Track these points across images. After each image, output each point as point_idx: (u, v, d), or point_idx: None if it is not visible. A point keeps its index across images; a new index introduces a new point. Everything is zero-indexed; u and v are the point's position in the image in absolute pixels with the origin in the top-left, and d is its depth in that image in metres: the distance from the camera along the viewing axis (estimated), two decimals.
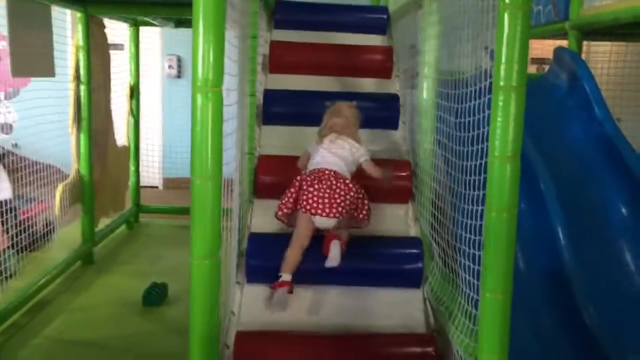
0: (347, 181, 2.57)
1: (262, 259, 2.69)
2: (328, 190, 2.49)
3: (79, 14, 4.21)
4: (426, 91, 2.80)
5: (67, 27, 5.06)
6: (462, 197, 2.16)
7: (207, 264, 1.82)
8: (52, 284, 3.92)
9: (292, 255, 2.52)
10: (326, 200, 2.47)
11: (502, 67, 1.70)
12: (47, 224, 4.48)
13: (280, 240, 2.77)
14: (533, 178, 3.18)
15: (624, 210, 3.23)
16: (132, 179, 5.70)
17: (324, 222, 2.52)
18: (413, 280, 2.68)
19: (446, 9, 2.59)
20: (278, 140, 3.35)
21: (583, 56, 5.81)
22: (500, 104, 1.72)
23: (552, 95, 3.97)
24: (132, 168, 5.68)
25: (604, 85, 5.00)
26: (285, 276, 2.51)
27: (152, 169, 7.08)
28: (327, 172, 2.55)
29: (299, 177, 2.61)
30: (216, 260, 1.84)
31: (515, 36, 1.68)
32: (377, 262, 2.72)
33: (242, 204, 2.86)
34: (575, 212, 3.19)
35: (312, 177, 2.54)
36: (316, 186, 2.50)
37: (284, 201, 2.61)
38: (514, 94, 1.70)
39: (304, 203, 2.49)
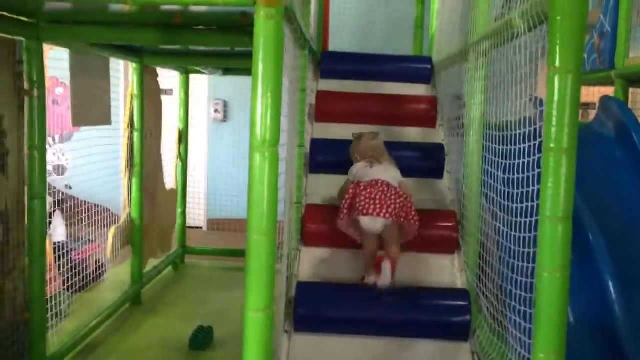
0: (398, 189, 2.75)
1: (310, 308, 2.73)
2: (380, 194, 2.67)
3: (134, 65, 4.41)
4: (473, 144, 2.83)
5: (120, 77, 5.31)
6: (512, 253, 2.17)
7: (261, 317, 1.86)
8: (102, 325, 4.02)
9: (369, 259, 2.76)
10: (377, 202, 2.65)
11: (553, 129, 1.73)
12: (99, 265, 4.62)
13: (328, 290, 2.82)
14: (581, 229, 3.15)
15: None
16: (178, 221, 5.84)
17: (372, 222, 2.65)
18: (461, 333, 2.67)
19: (493, 65, 2.64)
20: (325, 188, 3.42)
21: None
22: (552, 165, 1.74)
23: (599, 144, 3.93)
24: (179, 210, 5.82)
25: None
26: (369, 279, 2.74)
27: (197, 210, 7.24)
28: (380, 181, 2.75)
29: (352, 186, 2.77)
30: (270, 314, 1.88)
31: (566, 99, 1.71)
32: (425, 313, 2.73)
33: (289, 252, 2.92)
34: (625, 264, 3.13)
35: (366, 184, 2.74)
36: (369, 190, 2.69)
37: (341, 208, 2.77)
38: (564, 155, 1.72)
39: (357, 206, 2.66)
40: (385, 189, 2.70)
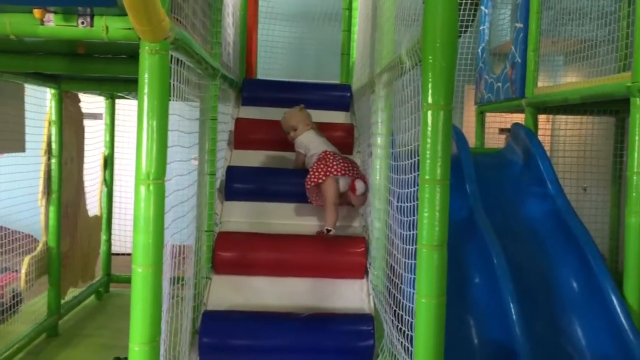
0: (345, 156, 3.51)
1: (216, 336, 2.73)
2: (345, 162, 3.32)
3: (52, 91, 4.34)
4: (379, 172, 2.91)
5: (46, 104, 5.21)
6: (402, 279, 2.24)
7: (147, 350, 1.87)
8: (14, 358, 3.88)
9: (331, 213, 3.20)
10: (346, 166, 3.28)
11: (427, 162, 1.81)
12: (14, 295, 4.46)
13: (235, 318, 2.83)
14: (487, 253, 3.28)
15: (574, 285, 3.32)
16: (103, 248, 5.72)
17: (345, 181, 3.26)
18: (365, 357, 2.73)
19: (394, 96, 2.73)
20: (240, 216, 3.44)
21: (549, 125, 6.03)
22: (427, 196, 1.82)
23: (508, 170, 4.12)
24: (103, 237, 5.70)
25: (567, 153, 5.17)
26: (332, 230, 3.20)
27: (127, 237, 7.09)
28: (331, 153, 3.39)
29: (322, 155, 3.33)
30: (156, 346, 1.89)
31: (438, 134, 1.80)
32: (331, 339, 2.77)
33: (199, 280, 2.91)
34: (528, 287, 3.27)
35: (332, 155, 3.33)
36: (338, 158, 3.32)
37: (316, 173, 3.25)
38: (438, 187, 1.81)
39: (333, 170, 3.23)
40: (342, 157, 3.38)
